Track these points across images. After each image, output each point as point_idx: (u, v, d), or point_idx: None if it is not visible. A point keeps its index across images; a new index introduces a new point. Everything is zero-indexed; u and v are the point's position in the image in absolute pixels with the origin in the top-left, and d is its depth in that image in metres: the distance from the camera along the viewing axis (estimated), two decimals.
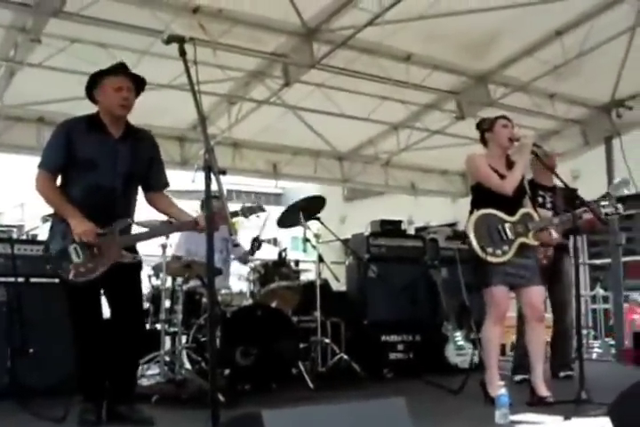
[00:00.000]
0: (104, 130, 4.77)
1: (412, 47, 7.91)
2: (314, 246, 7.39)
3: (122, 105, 4.73)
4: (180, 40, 3.75)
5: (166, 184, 5.10)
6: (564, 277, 7.06)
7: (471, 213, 5.51)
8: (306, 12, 6.95)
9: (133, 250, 4.87)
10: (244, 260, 7.74)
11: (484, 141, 5.78)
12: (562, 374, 7.01)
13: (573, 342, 7.22)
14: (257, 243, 7.53)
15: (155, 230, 5.05)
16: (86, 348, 4.75)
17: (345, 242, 8.27)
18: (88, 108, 4.89)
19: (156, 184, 5.05)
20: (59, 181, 4.80)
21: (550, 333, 7.36)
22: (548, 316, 9.73)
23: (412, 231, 9.23)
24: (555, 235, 6.33)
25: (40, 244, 5.43)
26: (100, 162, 4.71)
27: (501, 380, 5.11)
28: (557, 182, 6.07)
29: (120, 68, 4.80)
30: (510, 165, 5.66)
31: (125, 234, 4.78)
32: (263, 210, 5.01)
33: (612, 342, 9.88)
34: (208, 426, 3.24)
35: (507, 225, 5.42)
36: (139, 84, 4.88)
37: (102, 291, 4.89)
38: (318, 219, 7.52)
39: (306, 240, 7.40)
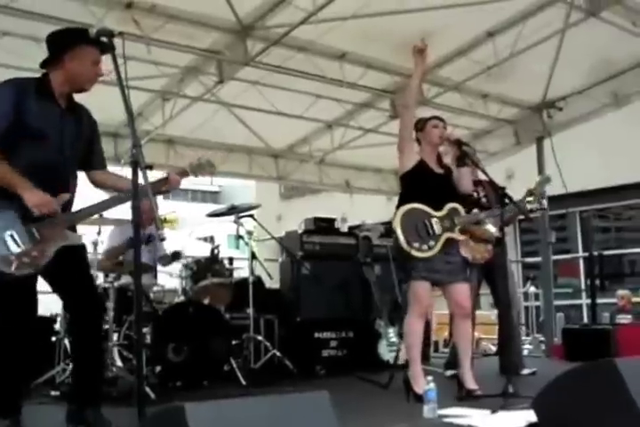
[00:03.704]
0: (52, 98, 4.27)
1: (347, 46, 7.94)
2: (247, 243, 7.40)
3: (94, 81, 4.39)
4: (109, 34, 3.71)
5: (106, 164, 4.71)
6: (507, 271, 7.02)
7: (399, 206, 5.55)
8: (240, 9, 6.94)
9: (73, 230, 4.34)
10: (164, 261, 7.48)
11: (418, 141, 5.86)
12: (525, 371, 7.04)
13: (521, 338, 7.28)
14: (175, 257, 7.38)
15: (106, 202, 4.35)
16: (3, 354, 4.11)
17: (278, 239, 8.27)
18: None
19: (99, 162, 4.60)
20: None
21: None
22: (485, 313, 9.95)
23: (346, 229, 9.25)
24: (493, 229, 6.42)
25: None
26: (48, 133, 4.20)
27: (429, 375, 5.16)
28: (482, 176, 6.14)
29: (98, 39, 4.13)
30: (441, 163, 5.78)
31: (65, 211, 4.22)
32: (213, 165, 4.57)
33: (542, 339, 10.07)
34: (135, 421, 3.24)
35: (433, 220, 5.47)
36: None
37: (50, 283, 4.30)
38: (252, 216, 7.53)
39: (239, 237, 7.40)
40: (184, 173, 4.46)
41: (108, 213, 5.29)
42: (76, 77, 4.30)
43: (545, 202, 5.87)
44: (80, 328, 4.35)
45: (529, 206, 5.91)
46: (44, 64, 4.35)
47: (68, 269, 4.23)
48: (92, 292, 4.45)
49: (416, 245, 5.34)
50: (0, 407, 4.13)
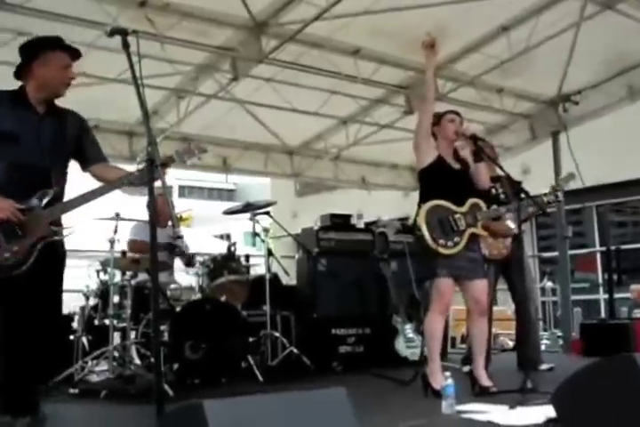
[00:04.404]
0: (28, 106, 4.33)
1: (361, 42, 7.94)
2: (263, 240, 7.40)
3: (67, 84, 4.40)
4: (123, 32, 3.70)
5: (105, 158, 4.62)
6: (524, 266, 7.02)
7: (420, 203, 5.53)
8: (254, 6, 6.95)
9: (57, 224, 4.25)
10: (187, 260, 7.49)
11: (434, 135, 5.83)
12: (544, 366, 7.02)
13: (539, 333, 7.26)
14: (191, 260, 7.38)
15: (88, 193, 4.23)
16: (15, 349, 4.07)
17: (294, 236, 8.26)
18: None
19: (95, 157, 4.53)
20: None
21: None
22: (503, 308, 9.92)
23: (362, 225, 9.24)
24: (512, 225, 6.41)
25: None
26: (22, 136, 4.22)
27: (447, 371, 5.14)
28: (500, 172, 6.14)
29: (65, 44, 4.40)
30: (458, 158, 5.75)
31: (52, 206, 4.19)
32: (205, 150, 4.42)
33: (560, 334, 10.03)
34: (153, 419, 3.24)
35: (457, 216, 5.46)
36: None
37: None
38: (268, 213, 7.53)
39: (255, 234, 7.40)
40: (170, 159, 4.29)
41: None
42: (47, 83, 4.34)
43: (560, 194, 5.86)
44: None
45: (545, 199, 5.91)
46: (17, 76, 4.40)
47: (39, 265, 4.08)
48: (50, 290, 4.26)
49: (442, 242, 5.33)
50: (18, 406, 4.11)
